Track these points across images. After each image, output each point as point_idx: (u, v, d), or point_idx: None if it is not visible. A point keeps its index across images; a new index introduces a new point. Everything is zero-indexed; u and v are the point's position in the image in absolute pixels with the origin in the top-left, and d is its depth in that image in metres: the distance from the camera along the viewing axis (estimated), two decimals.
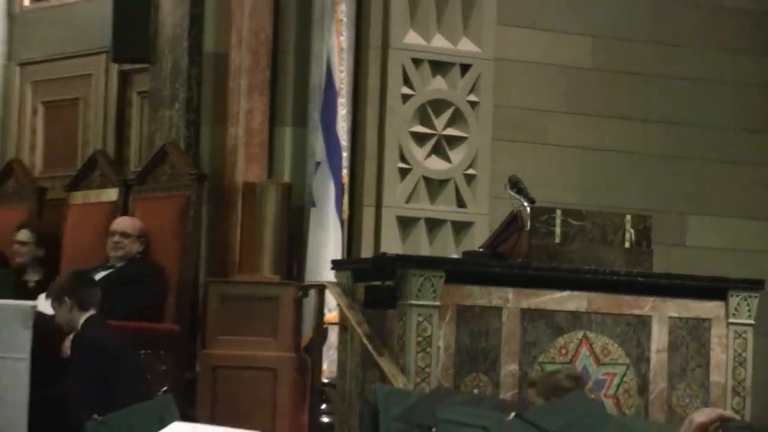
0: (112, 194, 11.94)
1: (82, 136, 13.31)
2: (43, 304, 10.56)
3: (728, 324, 9.51)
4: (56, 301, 9.55)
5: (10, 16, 13.70)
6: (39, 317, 10.23)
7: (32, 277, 11.58)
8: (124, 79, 13.03)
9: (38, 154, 13.63)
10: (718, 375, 9.51)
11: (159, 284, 10.89)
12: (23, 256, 11.78)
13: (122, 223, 11.15)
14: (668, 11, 12.10)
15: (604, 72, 11.68)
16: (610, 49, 11.78)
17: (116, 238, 10.94)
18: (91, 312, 9.20)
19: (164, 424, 5.53)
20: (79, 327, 9.25)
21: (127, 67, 12.74)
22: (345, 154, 10.69)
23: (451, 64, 11.31)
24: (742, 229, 12.20)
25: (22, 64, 13.81)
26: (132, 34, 11.91)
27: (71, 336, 10.09)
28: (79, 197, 12.36)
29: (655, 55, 11.98)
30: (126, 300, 10.59)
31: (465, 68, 11.32)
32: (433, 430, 4.68)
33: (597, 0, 11.71)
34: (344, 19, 10.78)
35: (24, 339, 9.92)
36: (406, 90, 11.17)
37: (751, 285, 9.73)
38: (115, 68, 12.96)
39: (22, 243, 11.70)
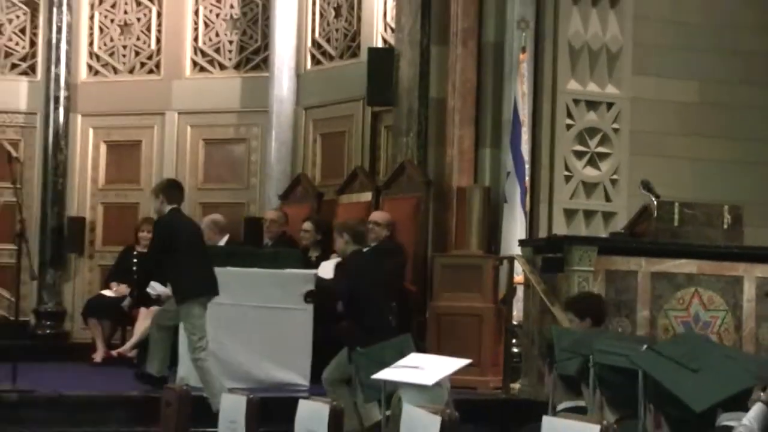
0: (367, 196, 12.13)
1: (347, 156, 13.39)
2: (322, 272, 10.92)
3: None
4: (154, 195, 9.73)
5: (298, 75, 13.84)
6: (319, 281, 10.55)
7: (313, 254, 11.71)
8: (375, 117, 13.08)
9: (317, 169, 13.78)
10: None
11: (402, 258, 11.01)
12: (307, 240, 11.92)
13: (376, 215, 11.22)
14: (751, 61, 11.82)
15: (706, 105, 11.49)
16: (710, 89, 11.51)
17: (372, 226, 11.07)
18: (174, 205, 9.34)
19: (404, 355, 5.72)
20: (165, 213, 9.39)
21: (377, 108, 12.82)
22: (527, 167, 10.69)
23: (600, 103, 11.23)
24: None
25: (306, 108, 13.91)
26: (380, 86, 12.04)
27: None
28: (345, 198, 12.56)
29: (742, 92, 11.68)
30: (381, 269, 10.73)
31: (610, 105, 11.23)
32: (591, 357, 4.74)
33: (701, 54, 11.49)
34: (525, 73, 10.80)
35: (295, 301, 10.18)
36: (569, 121, 11.11)
37: None
38: (368, 110, 13.04)
39: (306, 231, 11.88)
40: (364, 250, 9.87)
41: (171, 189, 9.64)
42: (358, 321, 9.01)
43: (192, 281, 9.09)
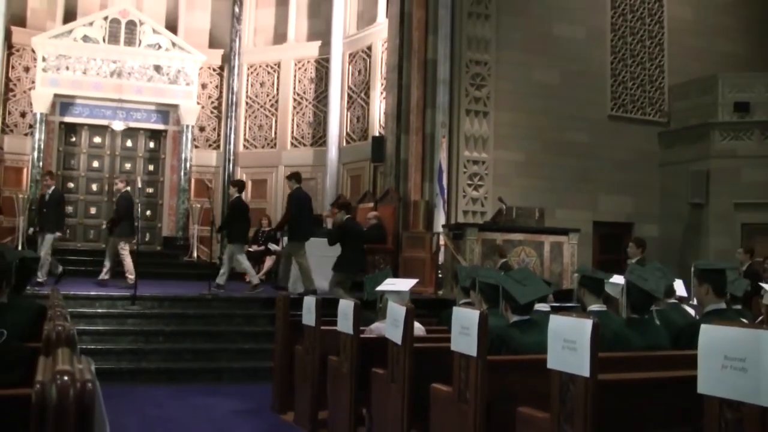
0: (371, 205, 11.83)
1: (362, 186, 13.12)
2: None
3: (569, 243, 9.38)
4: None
5: (340, 149, 13.78)
6: None
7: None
8: (375, 168, 12.71)
9: (348, 192, 13.51)
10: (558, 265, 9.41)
11: (385, 232, 10.83)
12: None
13: (372, 213, 11.09)
14: (548, 143, 11.67)
15: (528, 163, 11.38)
16: (531, 156, 11.50)
17: (371, 219, 10.91)
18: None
19: (387, 277, 5.67)
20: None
21: (376, 164, 12.50)
22: (445, 191, 10.59)
23: (479, 161, 11.07)
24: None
25: (344, 164, 13.73)
26: (378, 153, 11.88)
27: None
28: (361, 206, 12.18)
29: (543, 157, 11.57)
30: (375, 239, 10.53)
31: (483, 162, 11.03)
32: (476, 278, 4.70)
33: (526, 141, 11.50)
34: (445, 147, 10.71)
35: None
36: (464, 170, 10.97)
37: (574, 230, 9.52)
38: (372, 165, 12.72)
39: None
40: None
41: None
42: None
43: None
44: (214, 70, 15.07)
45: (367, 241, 10.50)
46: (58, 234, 9.51)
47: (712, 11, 12.90)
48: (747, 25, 13.11)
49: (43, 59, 13.52)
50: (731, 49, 12.84)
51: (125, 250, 9.52)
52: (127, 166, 14.48)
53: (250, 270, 9.50)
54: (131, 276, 9.35)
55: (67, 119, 13.99)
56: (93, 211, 14.19)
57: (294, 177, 9.35)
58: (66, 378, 1.61)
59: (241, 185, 9.55)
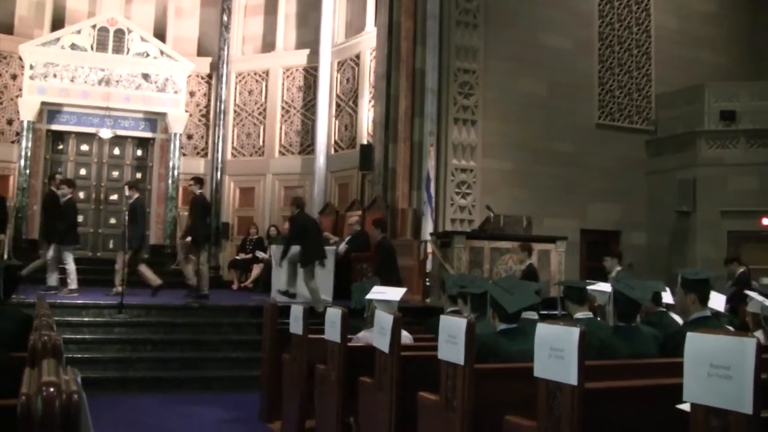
0: (359, 212, 11.73)
1: (349, 194, 13.09)
2: (339, 248, 10.63)
3: (557, 251, 9.40)
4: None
5: (328, 156, 13.74)
6: (336, 254, 10.28)
7: (332, 240, 11.47)
8: (363, 176, 12.68)
9: (336, 200, 13.48)
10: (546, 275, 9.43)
11: (368, 240, 10.70)
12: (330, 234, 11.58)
13: (353, 218, 11.07)
14: (537, 153, 11.70)
15: (516, 171, 11.43)
16: (518, 164, 11.53)
17: (354, 225, 10.83)
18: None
19: (374, 286, 5.65)
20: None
21: (364, 172, 12.47)
22: (433, 199, 10.61)
23: (467, 169, 11.10)
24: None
25: (332, 172, 13.73)
26: (366, 162, 11.91)
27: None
28: (348, 214, 12.17)
29: (532, 168, 11.59)
30: (360, 248, 10.48)
31: (471, 171, 11.11)
32: (466, 288, 4.69)
33: (513, 149, 11.49)
34: (433, 155, 10.74)
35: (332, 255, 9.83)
36: (452, 178, 11.02)
37: (561, 239, 9.50)
38: (360, 173, 12.71)
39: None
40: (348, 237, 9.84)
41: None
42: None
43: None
44: (202, 78, 15.04)
45: (352, 250, 10.47)
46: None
47: (698, 21, 13.05)
48: (732, 34, 13.26)
49: (31, 67, 13.46)
50: (717, 59, 12.98)
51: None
52: (115, 174, 14.41)
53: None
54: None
55: (55, 127, 13.91)
56: (80, 219, 14.04)
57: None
58: (52, 389, 1.59)
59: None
